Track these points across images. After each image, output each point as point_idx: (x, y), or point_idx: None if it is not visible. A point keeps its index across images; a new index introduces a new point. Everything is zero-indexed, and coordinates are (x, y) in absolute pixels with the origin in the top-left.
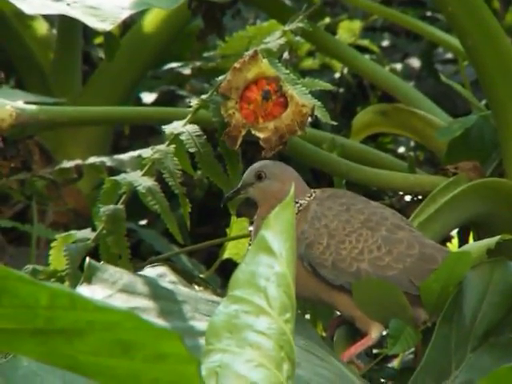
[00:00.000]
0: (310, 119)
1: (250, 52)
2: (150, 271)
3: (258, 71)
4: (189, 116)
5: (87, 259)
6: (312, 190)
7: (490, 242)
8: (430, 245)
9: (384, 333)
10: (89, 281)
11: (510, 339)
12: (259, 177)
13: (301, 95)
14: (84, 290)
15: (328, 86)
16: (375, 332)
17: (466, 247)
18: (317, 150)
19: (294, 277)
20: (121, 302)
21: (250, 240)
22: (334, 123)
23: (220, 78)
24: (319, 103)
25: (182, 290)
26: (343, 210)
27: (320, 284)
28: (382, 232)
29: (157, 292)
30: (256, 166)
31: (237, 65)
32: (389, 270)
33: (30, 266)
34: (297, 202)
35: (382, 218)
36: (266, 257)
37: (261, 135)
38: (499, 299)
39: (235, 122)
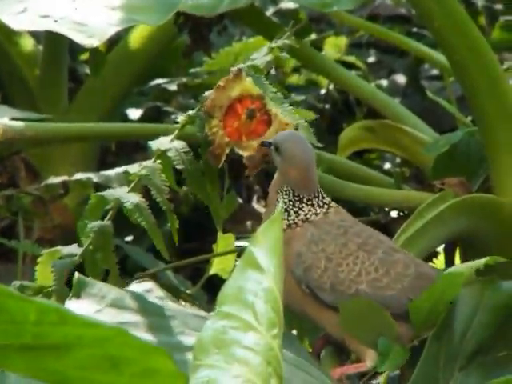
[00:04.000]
0: None
1: (234, 70)
2: (136, 286)
3: (241, 89)
4: (176, 132)
5: (76, 274)
6: (327, 202)
7: (478, 263)
8: (424, 265)
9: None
10: (78, 296)
11: (497, 358)
12: (277, 148)
13: (285, 113)
14: (73, 304)
15: (311, 116)
16: (370, 360)
17: (455, 268)
18: None
19: (282, 292)
20: (110, 316)
21: (265, 212)
22: (320, 145)
23: (206, 93)
24: (303, 122)
25: (171, 305)
26: (340, 234)
27: (316, 306)
28: (379, 254)
29: (145, 307)
30: (277, 137)
31: (221, 83)
32: (388, 291)
33: (17, 282)
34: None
35: (378, 241)
36: (254, 272)
37: (244, 153)
38: (489, 318)
39: (219, 141)
